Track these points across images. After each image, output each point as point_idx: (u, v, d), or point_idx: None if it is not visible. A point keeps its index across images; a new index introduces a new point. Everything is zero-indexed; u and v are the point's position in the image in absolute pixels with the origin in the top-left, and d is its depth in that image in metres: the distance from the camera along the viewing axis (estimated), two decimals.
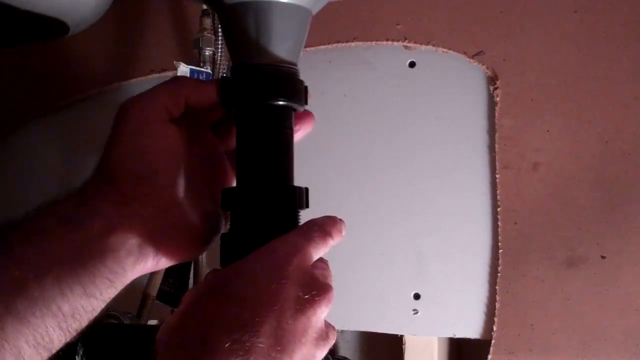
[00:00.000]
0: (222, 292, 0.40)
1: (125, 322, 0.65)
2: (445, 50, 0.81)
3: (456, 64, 0.81)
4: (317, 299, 0.40)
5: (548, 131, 0.77)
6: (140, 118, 0.46)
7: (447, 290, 0.78)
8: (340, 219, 0.46)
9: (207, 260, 0.77)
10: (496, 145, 0.78)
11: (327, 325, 0.42)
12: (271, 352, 0.37)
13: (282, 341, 0.38)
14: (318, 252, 0.43)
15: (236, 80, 0.49)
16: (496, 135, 0.78)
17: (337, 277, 0.45)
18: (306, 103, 0.49)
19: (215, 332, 0.38)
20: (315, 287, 0.41)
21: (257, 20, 0.48)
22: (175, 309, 0.41)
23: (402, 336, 0.80)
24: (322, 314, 0.41)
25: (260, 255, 0.41)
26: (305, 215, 0.46)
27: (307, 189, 0.48)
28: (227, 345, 0.37)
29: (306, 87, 0.49)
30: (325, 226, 0.44)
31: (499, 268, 0.76)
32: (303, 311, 0.39)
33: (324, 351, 0.41)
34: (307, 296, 0.40)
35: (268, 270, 0.40)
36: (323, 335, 0.41)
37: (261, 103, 0.48)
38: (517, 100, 0.78)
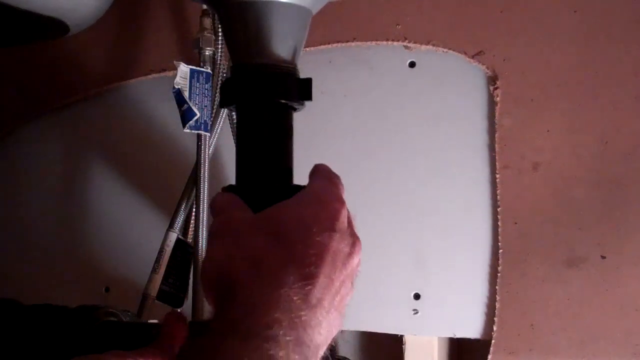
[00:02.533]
0: (274, 233, 0.41)
1: (124, 320, 0.65)
2: (445, 50, 0.81)
3: (456, 64, 0.81)
4: (354, 251, 0.44)
5: (548, 131, 0.77)
6: None
7: (447, 290, 0.78)
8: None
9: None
10: (496, 145, 0.78)
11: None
12: (322, 302, 0.40)
13: (329, 291, 0.41)
14: None
15: (236, 80, 0.49)
16: (496, 135, 0.78)
17: None
18: (310, 98, 0.49)
19: (270, 272, 0.39)
20: (353, 239, 0.44)
21: (257, 20, 0.48)
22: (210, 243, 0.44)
23: (402, 336, 0.80)
24: (356, 265, 0.44)
25: (312, 203, 0.43)
26: None
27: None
28: (286, 287, 0.39)
29: (310, 79, 0.49)
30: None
31: (499, 268, 0.76)
32: (346, 264, 0.42)
33: (350, 296, 0.44)
34: (348, 249, 0.43)
35: (322, 222, 0.42)
36: (352, 284, 0.44)
37: (261, 103, 0.48)
38: (517, 100, 0.78)
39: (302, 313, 0.39)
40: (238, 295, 0.39)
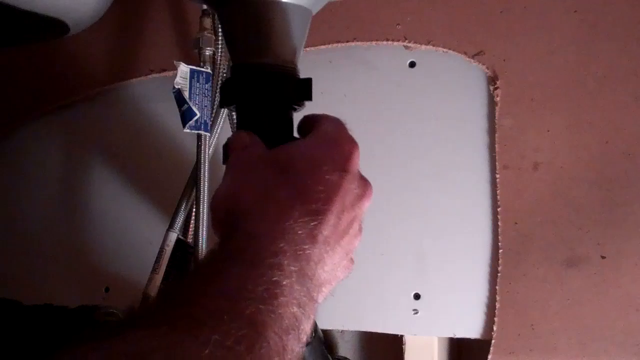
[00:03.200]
0: (284, 168, 0.42)
1: None
2: (445, 50, 0.81)
3: (456, 64, 0.81)
4: (365, 194, 0.44)
5: (548, 131, 0.77)
6: None
7: (447, 290, 0.78)
8: None
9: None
10: (496, 145, 0.78)
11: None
12: (328, 239, 0.41)
13: (336, 229, 0.42)
14: None
15: (236, 80, 0.49)
16: (496, 135, 0.78)
17: None
18: (310, 98, 0.49)
19: (277, 204, 0.40)
20: (363, 182, 0.44)
21: (257, 20, 0.48)
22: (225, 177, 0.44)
23: (402, 336, 0.80)
24: (365, 208, 0.45)
25: (325, 142, 0.44)
26: None
27: None
28: (292, 221, 0.39)
29: (310, 79, 0.49)
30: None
31: (499, 268, 0.76)
32: (355, 206, 0.43)
33: (358, 240, 0.45)
34: (358, 191, 0.44)
35: (334, 161, 0.43)
36: (360, 228, 0.45)
37: (261, 103, 0.48)
38: (517, 100, 0.78)
39: (306, 247, 0.39)
40: (245, 225, 0.40)
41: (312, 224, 0.40)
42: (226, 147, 0.47)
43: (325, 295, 0.43)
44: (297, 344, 0.37)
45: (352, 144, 0.44)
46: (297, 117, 0.51)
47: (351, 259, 0.46)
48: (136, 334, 0.33)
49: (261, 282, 0.37)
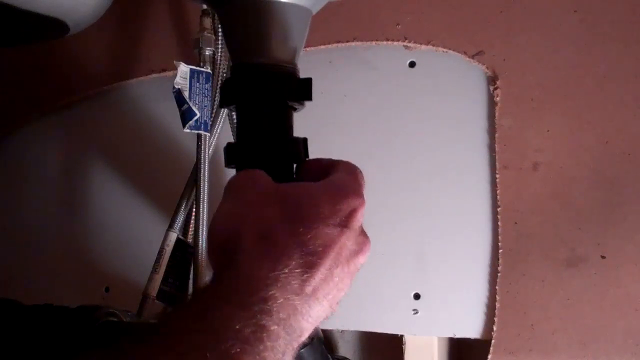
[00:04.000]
0: (290, 210, 0.42)
1: (124, 320, 0.65)
2: (445, 50, 0.81)
3: (456, 64, 0.81)
4: (362, 250, 0.44)
5: (548, 131, 0.77)
6: None
7: (447, 290, 0.78)
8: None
9: (207, 259, 0.77)
10: (496, 145, 0.78)
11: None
12: (317, 292, 0.41)
13: (327, 284, 0.42)
14: None
15: (236, 80, 0.49)
16: (496, 135, 0.78)
17: None
18: (310, 98, 0.49)
19: (275, 249, 0.40)
20: (362, 239, 0.44)
21: (257, 20, 0.48)
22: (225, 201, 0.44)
23: (402, 336, 0.80)
24: (361, 264, 0.45)
25: (333, 194, 0.43)
26: None
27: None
28: (287, 270, 0.40)
29: (310, 79, 0.49)
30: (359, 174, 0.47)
31: (499, 268, 0.76)
32: (350, 262, 0.43)
33: (345, 291, 0.45)
34: (355, 247, 0.43)
35: (338, 215, 0.42)
36: (351, 283, 0.45)
37: (261, 103, 0.48)
38: (517, 100, 0.78)
39: (296, 298, 0.40)
40: (240, 266, 0.40)
41: (304, 275, 0.40)
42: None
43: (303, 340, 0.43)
44: None
45: (359, 199, 0.44)
46: (298, 117, 0.51)
47: (334, 309, 0.46)
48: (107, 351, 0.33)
49: (249, 324, 0.37)
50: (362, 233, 0.45)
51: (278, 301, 0.38)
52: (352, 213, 0.43)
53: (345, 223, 0.42)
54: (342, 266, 0.42)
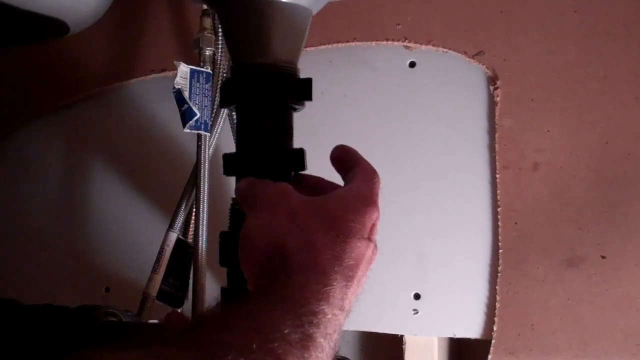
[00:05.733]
0: (328, 222, 0.43)
1: (124, 320, 0.65)
2: (445, 50, 0.81)
3: (456, 64, 0.81)
4: (374, 257, 0.45)
5: (548, 131, 0.77)
6: None
7: (447, 290, 0.78)
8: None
9: (207, 259, 0.77)
10: (496, 145, 0.78)
11: None
12: (350, 303, 0.42)
13: (355, 295, 0.43)
14: None
15: (236, 80, 0.49)
16: (496, 135, 0.78)
17: None
18: (310, 98, 0.49)
19: (321, 261, 0.41)
20: (374, 249, 0.45)
21: (257, 20, 0.48)
22: (249, 216, 0.45)
23: (402, 336, 0.80)
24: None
25: (360, 205, 0.44)
26: None
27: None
28: (334, 284, 0.41)
29: (310, 79, 0.49)
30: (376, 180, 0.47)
31: (499, 268, 0.76)
32: (367, 272, 0.45)
33: None
34: (372, 256, 0.45)
35: (364, 229, 0.43)
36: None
37: (261, 103, 0.48)
38: (517, 100, 0.78)
39: (340, 314, 0.41)
40: (291, 276, 0.41)
41: (345, 290, 0.41)
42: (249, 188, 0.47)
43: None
44: None
45: (377, 211, 0.45)
46: (298, 117, 0.51)
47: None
48: (163, 350, 0.33)
49: (297, 330, 0.37)
50: (375, 243, 0.46)
51: (327, 316, 0.39)
52: (373, 226, 0.44)
53: (369, 236, 0.44)
54: (364, 277, 0.44)
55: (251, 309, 0.39)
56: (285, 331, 0.37)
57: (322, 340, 0.38)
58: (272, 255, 0.42)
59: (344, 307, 0.41)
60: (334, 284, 0.41)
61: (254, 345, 0.34)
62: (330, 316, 0.39)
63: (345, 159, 0.48)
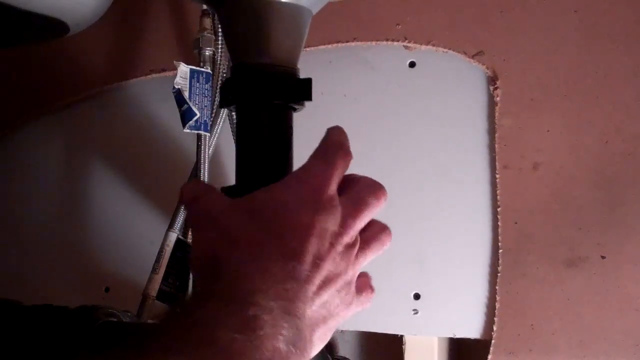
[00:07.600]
0: (248, 212, 0.42)
1: (124, 320, 0.65)
2: (445, 50, 0.81)
3: (456, 64, 0.81)
4: (345, 231, 0.42)
5: (548, 131, 0.77)
6: None
7: (447, 290, 0.78)
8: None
9: None
10: (496, 145, 0.78)
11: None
12: (311, 279, 0.40)
13: (319, 270, 0.40)
14: (341, 174, 0.45)
15: (236, 80, 0.49)
16: (496, 135, 0.78)
17: None
18: (310, 99, 0.49)
19: (248, 246, 0.40)
20: (344, 219, 0.43)
21: (257, 20, 0.48)
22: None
23: (402, 336, 0.80)
24: (352, 245, 0.43)
25: (290, 184, 0.43)
26: None
27: None
28: (265, 261, 0.39)
29: (310, 79, 0.49)
30: (343, 143, 0.46)
31: (499, 268, 0.76)
32: (335, 244, 0.42)
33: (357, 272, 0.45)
34: (336, 228, 0.42)
35: (303, 201, 0.42)
36: (356, 270, 0.44)
37: (261, 103, 0.48)
38: (517, 100, 0.78)
39: (288, 286, 0.39)
40: (220, 272, 0.40)
41: (290, 264, 0.39)
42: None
43: (325, 333, 0.43)
44: None
45: (322, 179, 0.43)
46: (298, 117, 0.51)
47: (369, 290, 0.47)
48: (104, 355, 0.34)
49: (239, 315, 0.36)
50: (350, 214, 0.44)
51: (269, 292, 0.39)
52: (317, 195, 0.43)
53: (313, 206, 0.43)
54: (328, 250, 0.43)
55: (190, 308, 0.38)
56: (226, 319, 0.36)
57: (268, 317, 0.37)
58: (206, 265, 0.42)
59: (297, 279, 0.39)
60: (264, 261, 0.39)
61: (197, 342, 0.34)
62: (270, 291, 0.38)
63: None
